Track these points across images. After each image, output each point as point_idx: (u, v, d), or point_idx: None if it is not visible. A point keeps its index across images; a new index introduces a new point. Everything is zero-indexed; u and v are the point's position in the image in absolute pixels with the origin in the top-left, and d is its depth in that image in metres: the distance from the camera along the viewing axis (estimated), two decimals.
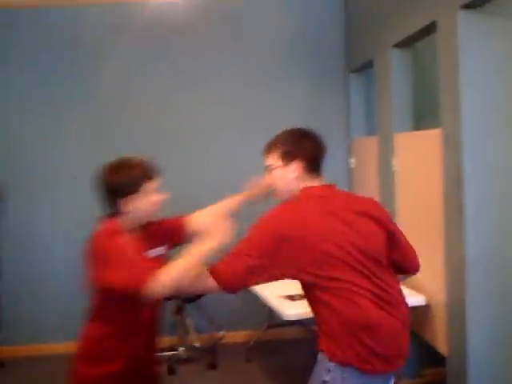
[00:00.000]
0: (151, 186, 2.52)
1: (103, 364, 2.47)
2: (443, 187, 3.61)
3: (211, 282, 2.35)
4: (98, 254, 2.39)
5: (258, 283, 2.44)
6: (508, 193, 3.36)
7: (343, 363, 2.31)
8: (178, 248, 2.65)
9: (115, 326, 2.48)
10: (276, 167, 2.54)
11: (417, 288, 4.02)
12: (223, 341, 5.58)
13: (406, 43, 4.39)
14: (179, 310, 5.34)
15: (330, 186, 2.57)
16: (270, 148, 2.60)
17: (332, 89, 5.88)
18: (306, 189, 2.51)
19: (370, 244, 2.41)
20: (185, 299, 5.23)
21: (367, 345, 2.30)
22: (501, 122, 3.34)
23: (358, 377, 2.32)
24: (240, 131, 5.82)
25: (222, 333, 5.57)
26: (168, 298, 5.17)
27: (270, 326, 5.54)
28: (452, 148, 3.46)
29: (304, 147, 2.54)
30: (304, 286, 2.48)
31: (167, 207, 2.69)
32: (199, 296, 5.27)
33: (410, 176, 4.29)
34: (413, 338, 2.59)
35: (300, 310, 3.63)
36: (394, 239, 2.54)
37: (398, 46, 4.45)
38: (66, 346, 5.50)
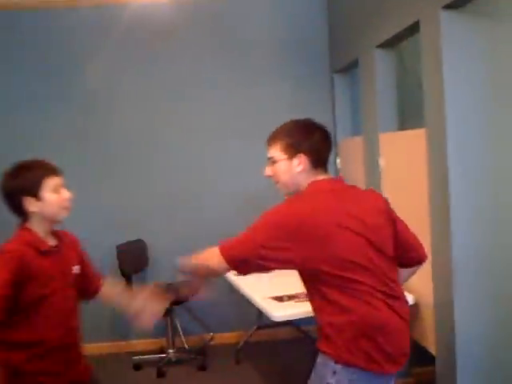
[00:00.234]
0: (52, 184, 2.56)
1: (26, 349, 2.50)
2: (429, 187, 3.62)
3: (218, 259, 2.39)
4: None
5: (257, 270, 2.46)
6: (495, 193, 3.37)
7: (350, 364, 2.27)
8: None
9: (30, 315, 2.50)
10: (279, 160, 2.46)
11: (405, 287, 4.03)
12: (212, 342, 5.58)
13: (390, 43, 4.41)
14: (168, 312, 5.32)
15: (338, 180, 2.51)
16: (273, 139, 2.51)
17: (317, 89, 5.90)
18: (314, 183, 2.42)
19: (380, 238, 2.37)
20: (173, 301, 5.22)
21: (376, 345, 2.27)
22: (485, 122, 3.35)
23: (365, 378, 2.29)
24: (225, 131, 5.84)
25: (211, 334, 5.57)
26: None
27: (259, 327, 5.54)
28: (437, 148, 3.48)
29: (310, 140, 2.44)
30: (308, 282, 2.40)
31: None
32: (187, 298, 5.26)
33: (395, 176, 4.30)
34: None
35: (288, 311, 3.64)
36: (396, 228, 2.49)
37: (382, 46, 4.46)
38: None
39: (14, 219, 2.61)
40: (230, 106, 5.85)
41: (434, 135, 3.52)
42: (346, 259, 2.27)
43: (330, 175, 2.50)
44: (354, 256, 2.28)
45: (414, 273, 2.78)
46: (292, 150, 2.43)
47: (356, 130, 5.52)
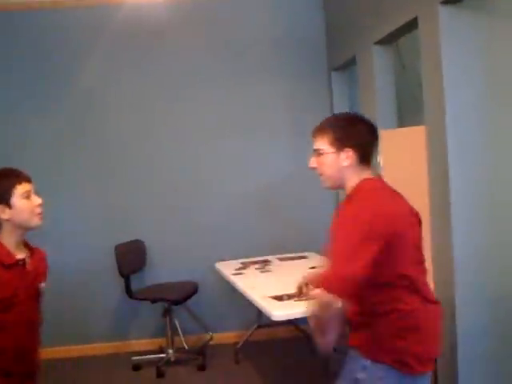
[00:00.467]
0: (23, 190, 2.54)
1: None
2: (429, 185, 3.60)
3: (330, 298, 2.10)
4: None
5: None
6: (496, 190, 3.35)
7: (379, 361, 2.28)
8: None
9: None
10: (326, 153, 2.42)
11: None
12: (212, 342, 5.56)
13: (388, 40, 4.38)
14: (167, 312, 5.31)
15: (382, 179, 2.49)
16: (320, 131, 2.47)
17: (315, 87, 5.88)
18: (367, 181, 2.40)
19: (419, 239, 2.41)
20: (172, 301, 5.20)
21: (408, 345, 2.27)
22: (485, 118, 3.33)
23: (394, 376, 2.28)
24: (223, 130, 5.82)
25: (210, 334, 5.54)
26: (154, 301, 5.20)
27: (259, 326, 5.52)
28: (437, 145, 3.45)
29: (357, 134, 2.41)
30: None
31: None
32: (186, 298, 5.25)
33: (395, 173, 4.25)
34: None
35: (288, 310, 3.61)
36: None
37: (379, 42, 4.44)
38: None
39: None
40: (228, 105, 5.82)
41: (433, 132, 3.50)
42: (411, 252, 2.33)
43: (373, 170, 2.48)
44: (413, 251, 2.35)
45: None
46: (340, 144, 2.39)
47: None
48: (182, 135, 5.80)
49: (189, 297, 5.29)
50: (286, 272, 4.80)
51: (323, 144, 2.43)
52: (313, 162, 2.50)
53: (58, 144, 5.69)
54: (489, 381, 3.41)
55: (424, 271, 2.41)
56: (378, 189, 2.38)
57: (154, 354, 5.43)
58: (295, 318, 4.10)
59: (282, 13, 5.87)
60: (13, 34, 5.59)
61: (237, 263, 5.19)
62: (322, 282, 2.13)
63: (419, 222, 2.45)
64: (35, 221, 2.59)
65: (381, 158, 4.20)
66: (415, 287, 2.31)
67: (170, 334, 5.38)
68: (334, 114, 2.56)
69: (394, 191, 2.44)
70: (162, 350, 5.46)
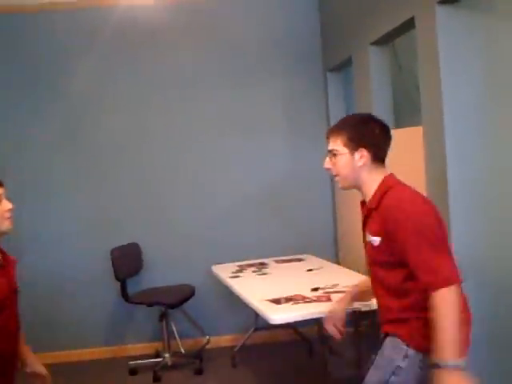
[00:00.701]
0: None
1: None
2: (427, 186, 3.57)
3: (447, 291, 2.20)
4: None
5: None
6: (493, 192, 3.33)
7: (422, 349, 2.28)
8: None
9: None
10: (341, 154, 2.45)
11: None
12: (209, 346, 5.52)
13: (385, 40, 4.37)
14: (163, 316, 5.27)
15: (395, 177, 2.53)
16: (334, 132, 2.51)
17: (310, 88, 5.86)
18: (388, 178, 2.47)
19: None
20: (168, 305, 5.17)
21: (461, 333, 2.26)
22: (483, 118, 3.31)
23: None
24: (219, 131, 5.80)
25: (207, 338, 5.51)
26: (150, 305, 5.17)
27: (256, 329, 5.49)
28: (435, 146, 3.43)
29: (371, 134, 2.45)
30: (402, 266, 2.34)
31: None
32: (182, 301, 5.21)
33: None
34: None
35: (286, 313, 3.57)
36: None
37: (376, 43, 4.42)
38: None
39: None
40: (223, 106, 5.80)
41: (431, 133, 3.48)
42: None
43: (387, 169, 2.52)
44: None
45: None
46: (354, 144, 2.43)
47: None
48: (177, 137, 5.77)
49: (185, 300, 5.25)
50: (283, 275, 4.78)
51: (337, 145, 2.47)
52: (327, 163, 2.54)
53: (52, 146, 5.65)
54: (489, 380, 3.38)
55: None
56: (406, 185, 2.48)
57: (150, 358, 5.39)
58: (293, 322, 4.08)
59: (278, 13, 5.85)
60: (6, 36, 5.56)
61: (233, 266, 5.16)
62: (438, 283, 2.19)
63: None
64: (5, 225, 2.55)
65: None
66: None
67: (166, 337, 5.34)
68: (347, 115, 2.57)
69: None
70: (158, 354, 5.42)
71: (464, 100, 3.30)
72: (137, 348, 5.71)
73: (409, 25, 3.74)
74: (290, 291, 3.89)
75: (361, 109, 4.79)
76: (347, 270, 4.65)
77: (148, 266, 5.69)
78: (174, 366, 5.26)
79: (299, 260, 5.28)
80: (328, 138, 2.53)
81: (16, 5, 5.47)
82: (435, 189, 3.45)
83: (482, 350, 3.38)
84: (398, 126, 4.59)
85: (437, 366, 2.15)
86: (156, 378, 5.02)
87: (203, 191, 5.79)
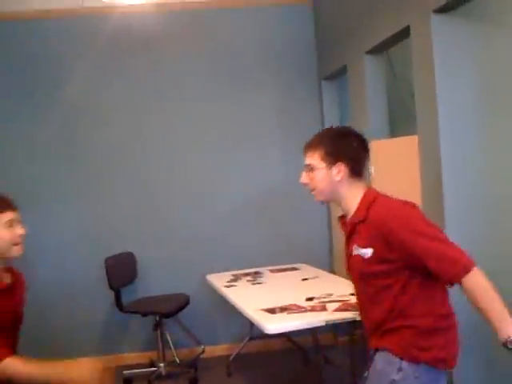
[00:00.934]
0: (6, 219, 2.45)
1: None
2: (422, 196, 3.57)
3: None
4: None
5: None
6: (489, 199, 3.33)
7: (416, 361, 2.28)
8: None
9: None
10: (318, 168, 2.43)
11: None
12: (204, 355, 5.50)
13: (380, 49, 4.37)
14: (158, 326, 5.24)
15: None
16: (311, 147, 2.49)
17: (305, 96, 5.86)
18: (370, 192, 2.44)
19: None
20: (163, 314, 5.14)
21: (446, 342, 2.32)
22: (479, 127, 3.32)
23: (430, 372, 2.30)
24: (215, 141, 5.78)
25: (202, 347, 5.48)
26: (145, 314, 5.14)
27: (251, 338, 5.47)
28: (430, 155, 3.43)
29: (349, 148, 2.43)
30: (395, 275, 2.34)
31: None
32: (177, 310, 5.19)
33: (387, 183, 4.22)
34: None
35: (281, 323, 3.55)
36: None
37: (371, 52, 4.42)
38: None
39: None
40: (218, 115, 5.79)
41: (426, 142, 3.47)
42: None
43: (367, 183, 2.50)
44: None
45: None
46: (331, 159, 2.41)
47: None
48: (172, 147, 5.75)
49: (180, 309, 5.23)
50: (278, 284, 4.76)
51: (314, 159, 2.45)
52: (304, 177, 2.51)
53: (46, 155, 5.62)
54: (489, 379, 3.39)
55: None
56: (388, 196, 2.45)
57: (145, 367, 5.36)
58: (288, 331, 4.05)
59: (272, 22, 5.85)
60: (1, 43, 5.54)
61: (228, 275, 5.13)
62: (461, 272, 2.23)
63: None
64: (15, 250, 2.50)
65: (372, 169, 4.18)
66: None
67: (161, 347, 5.31)
68: (323, 129, 2.55)
69: None
70: (153, 364, 5.39)
71: (459, 109, 3.30)
72: (131, 357, 5.68)
73: (404, 33, 3.74)
74: (285, 300, 3.87)
75: (356, 117, 4.79)
76: (342, 279, 4.63)
77: (143, 275, 5.66)
78: (168, 376, 5.23)
79: (294, 269, 5.25)
80: (305, 152, 2.50)
81: (11, 12, 5.46)
82: (431, 198, 3.45)
83: (477, 353, 3.38)
84: (393, 134, 4.58)
85: (504, 344, 2.19)
86: None
87: (198, 201, 5.78)
